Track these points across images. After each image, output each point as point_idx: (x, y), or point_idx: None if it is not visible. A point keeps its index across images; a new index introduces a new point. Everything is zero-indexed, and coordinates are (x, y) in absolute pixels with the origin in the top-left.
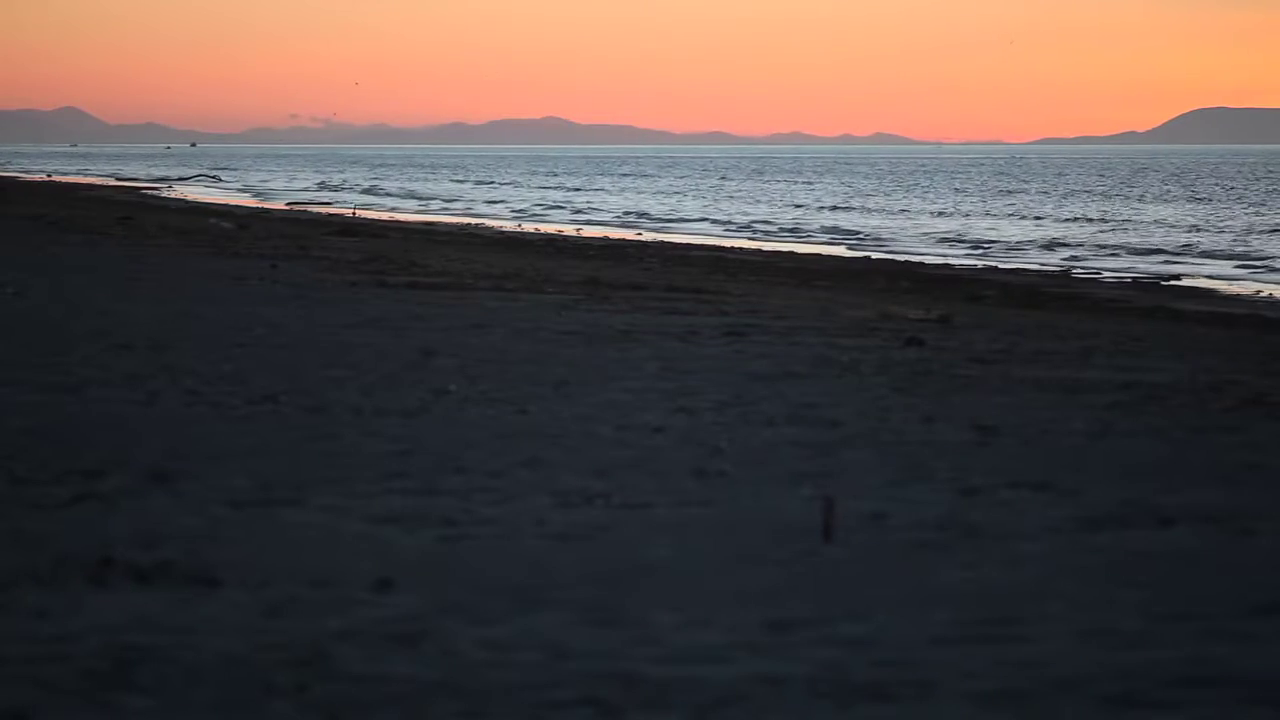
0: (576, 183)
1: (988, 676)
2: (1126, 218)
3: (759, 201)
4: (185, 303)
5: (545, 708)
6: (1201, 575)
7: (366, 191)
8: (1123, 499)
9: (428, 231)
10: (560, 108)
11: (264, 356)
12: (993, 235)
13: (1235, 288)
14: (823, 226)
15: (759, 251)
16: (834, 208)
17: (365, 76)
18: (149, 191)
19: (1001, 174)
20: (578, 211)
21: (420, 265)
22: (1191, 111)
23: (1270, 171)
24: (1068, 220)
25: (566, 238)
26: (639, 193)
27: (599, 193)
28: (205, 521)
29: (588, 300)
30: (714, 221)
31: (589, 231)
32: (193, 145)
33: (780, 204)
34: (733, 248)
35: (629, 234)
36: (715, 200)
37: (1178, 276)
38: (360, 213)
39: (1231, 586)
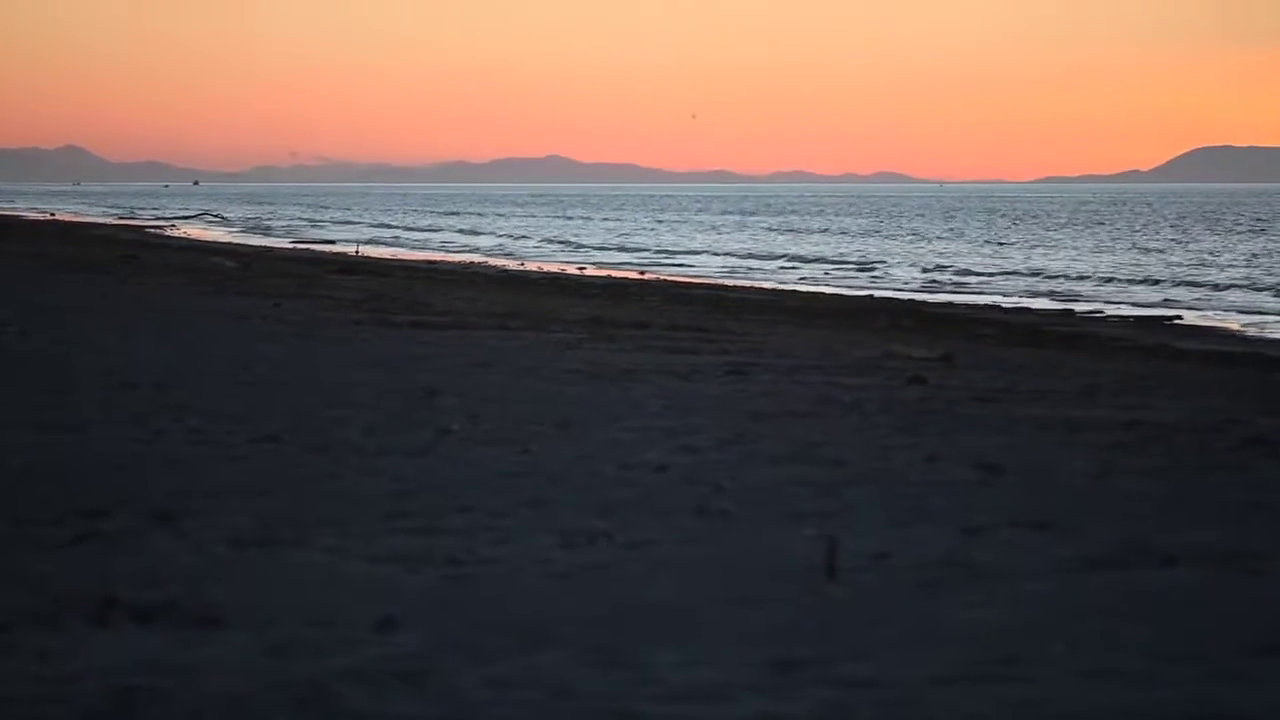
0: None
1: (990, 716)
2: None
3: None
4: (189, 342)
5: None
6: (1204, 615)
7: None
8: (1125, 538)
9: (431, 270)
10: (563, 146)
11: (267, 395)
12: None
13: (1238, 327)
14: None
15: (761, 290)
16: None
17: (367, 116)
18: (152, 230)
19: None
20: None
21: (424, 304)
22: (1195, 150)
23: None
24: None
25: (569, 276)
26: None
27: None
28: (208, 561)
29: (590, 339)
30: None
31: (591, 269)
32: (195, 183)
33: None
34: (735, 286)
35: (630, 273)
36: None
37: (1179, 315)
38: (364, 252)
39: (1234, 626)
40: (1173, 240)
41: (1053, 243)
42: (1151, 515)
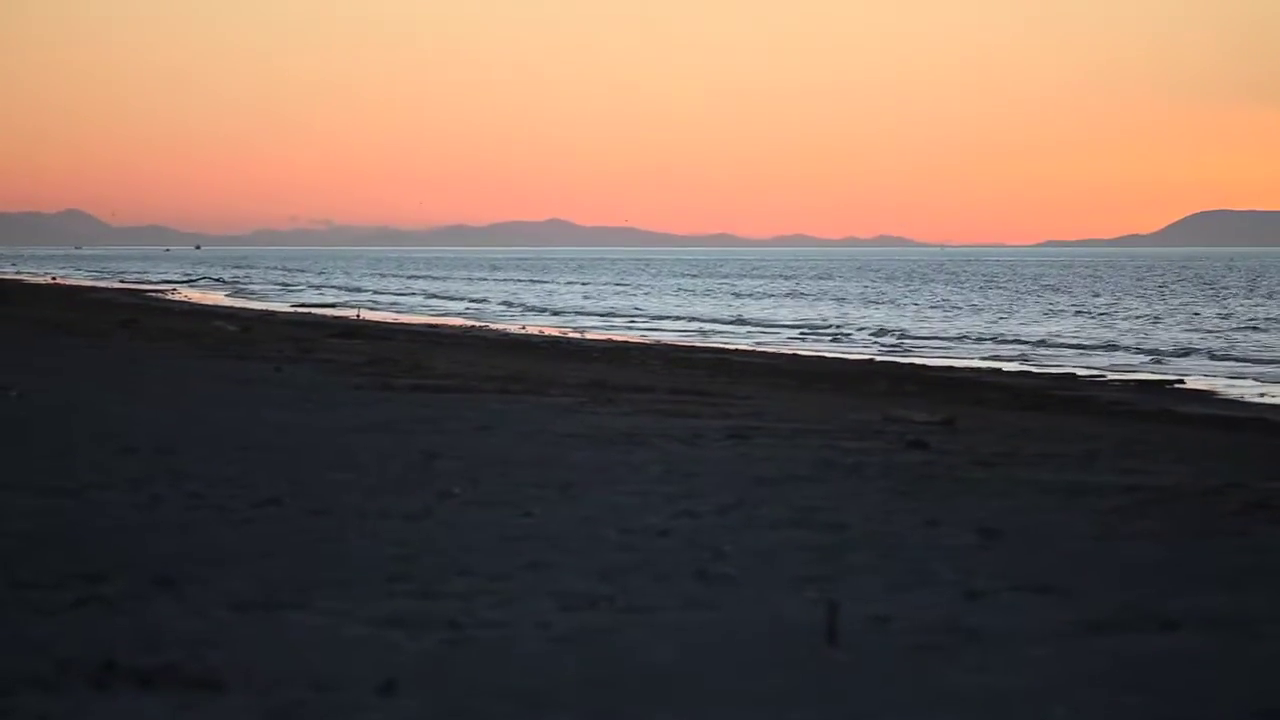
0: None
1: None
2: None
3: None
4: (189, 406)
5: None
6: (1205, 680)
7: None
8: (1126, 602)
9: (433, 334)
10: (563, 210)
11: (268, 459)
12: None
13: (1238, 391)
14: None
15: (763, 353)
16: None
17: (368, 180)
18: (153, 294)
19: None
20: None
21: (425, 367)
22: (1194, 214)
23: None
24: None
25: (571, 340)
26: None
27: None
28: (208, 625)
29: (592, 403)
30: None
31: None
32: (197, 248)
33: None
34: (736, 349)
35: (632, 336)
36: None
37: (1181, 380)
38: (365, 315)
39: (1235, 691)
40: (1128, 305)
41: (1011, 308)
42: (1152, 579)
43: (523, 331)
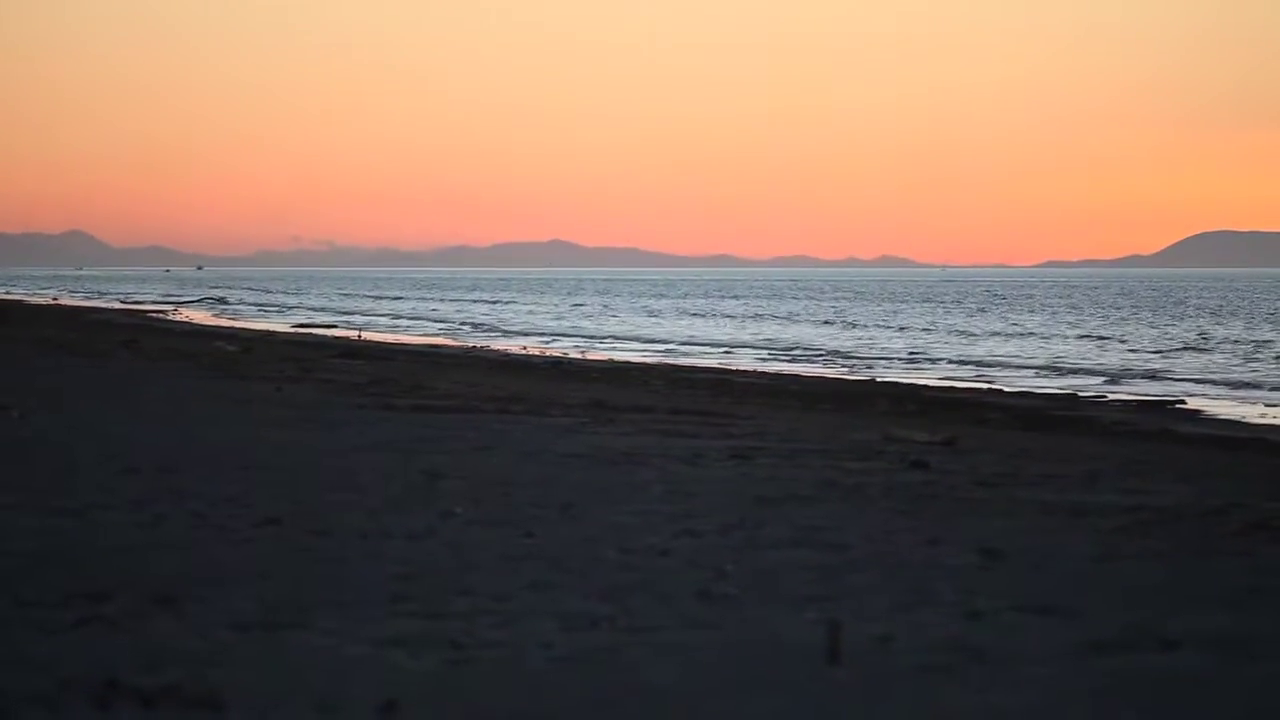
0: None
1: None
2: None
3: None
4: (190, 426)
5: None
6: (1206, 699)
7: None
8: (1128, 622)
9: (433, 354)
10: (566, 230)
11: (269, 479)
12: None
13: (1239, 411)
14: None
15: (764, 374)
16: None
17: (369, 201)
18: (154, 315)
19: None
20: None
21: (426, 388)
22: (1196, 235)
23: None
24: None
25: (571, 360)
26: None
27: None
28: (210, 644)
29: (593, 423)
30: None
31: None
32: (199, 269)
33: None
34: (738, 370)
35: (633, 356)
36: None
37: (1183, 400)
38: (366, 336)
39: (1236, 711)
40: (1090, 325)
41: (972, 328)
42: (1154, 599)
43: (523, 352)
